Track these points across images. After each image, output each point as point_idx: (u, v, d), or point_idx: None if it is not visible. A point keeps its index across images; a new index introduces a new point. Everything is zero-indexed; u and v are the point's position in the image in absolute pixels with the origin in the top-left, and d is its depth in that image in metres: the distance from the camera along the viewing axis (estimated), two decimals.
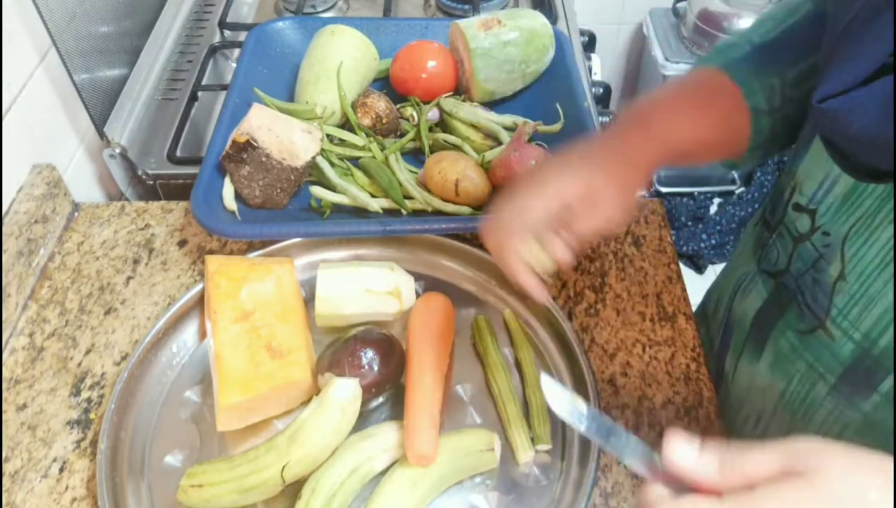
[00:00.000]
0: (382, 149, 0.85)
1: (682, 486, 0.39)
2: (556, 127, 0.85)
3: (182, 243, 0.84)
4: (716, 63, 0.63)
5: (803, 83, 0.61)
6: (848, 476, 0.36)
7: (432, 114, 0.89)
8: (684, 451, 0.39)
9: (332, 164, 0.83)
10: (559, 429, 0.67)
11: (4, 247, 0.75)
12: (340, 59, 0.89)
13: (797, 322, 0.59)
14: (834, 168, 0.53)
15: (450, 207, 0.79)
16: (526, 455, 0.64)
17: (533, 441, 0.65)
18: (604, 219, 0.57)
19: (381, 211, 0.79)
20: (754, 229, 0.69)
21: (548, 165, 0.59)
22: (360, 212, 0.81)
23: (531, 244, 0.56)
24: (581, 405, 0.46)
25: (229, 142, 0.79)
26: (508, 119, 0.87)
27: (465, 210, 0.79)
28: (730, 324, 0.71)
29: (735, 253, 0.76)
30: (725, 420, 0.71)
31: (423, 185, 0.82)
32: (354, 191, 0.79)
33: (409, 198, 0.81)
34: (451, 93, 0.92)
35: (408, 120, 0.90)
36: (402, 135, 0.89)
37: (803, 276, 0.58)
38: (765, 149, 0.64)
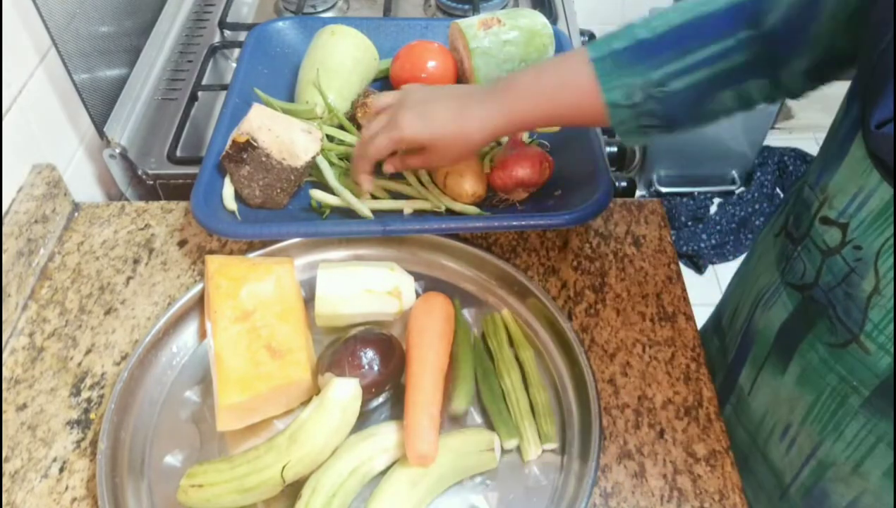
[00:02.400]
0: None
1: None
2: (555, 127, 0.85)
3: (182, 243, 0.84)
4: (591, 53, 0.66)
5: (670, 82, 0.64)
6: None
7: None
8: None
9: (332, 164, 0.83)
10: (560, 430, 0.67)
11: (4, 247, 0.75)
12: (340, 60, 0.89)
13: (828, 335, 0.58)
14: (870, 182, 0.52)
15: (458, 206, 0.79)
16: (534, 452, 0.64)
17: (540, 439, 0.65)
18: (431, 164, 0.75)
19: (371, 216, 0.78)
20: (775, 240, 0.67)
21: (415, 99, 0.72)
22: None
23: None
24: None
25: (229, 142, 0.79)
26: None
27: (473, 210, 0.79)
28: (749, 336, 0.70)
29: (752, 263, 0.75)
30: (745, 431, 0.71)
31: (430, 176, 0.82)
32: (348, 196, 0.79)
33: (411, 197, 0.81)
34: None
35: None
36: None
37: (834, 290, 0.57)
38: (643, 134, 0.68)
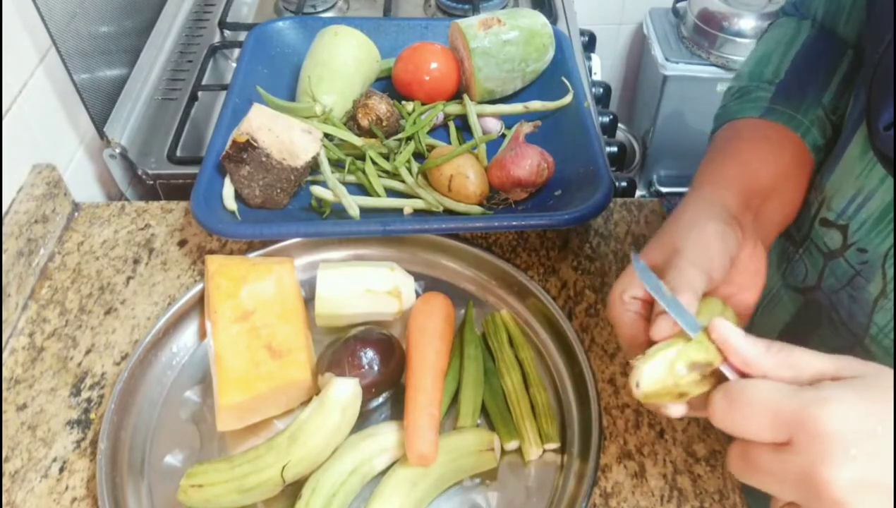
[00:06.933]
0: (388, 158, 0.85)
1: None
2: (566, 100, 0.87)
3: (182, 243, 0.84)
4: (751, 113, 0.60)
5: (839, 106, 0.59)
6: None
7: (437, 118, 0.90)
8: (734, 330, 0.40)
9: (331, 161, 0.83)
10: (560, 430, 0.67)
11: (4, 247, 0.75)
12: (343, 61, 0.89)
13: (832, 338, 0.58)
14: (869, 183, 0.51)
15: (461, 207, 0.79)
16: (535, 451, 0.64)
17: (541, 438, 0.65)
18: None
19: (358, 217, 0.77)
20: (776, 242, 0.67)
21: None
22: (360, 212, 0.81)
23: None
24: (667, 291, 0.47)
25: (229, 142, 0.79)
26: (519, 106, 0.89)
27: (477, 209, 0.79)
28: None
29: None
30: None
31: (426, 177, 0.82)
32: (342, 192, 0.79)
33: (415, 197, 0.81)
34: (453, 99, 0.93)
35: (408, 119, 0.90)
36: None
37: (838, 293, 0.56)
38: None
